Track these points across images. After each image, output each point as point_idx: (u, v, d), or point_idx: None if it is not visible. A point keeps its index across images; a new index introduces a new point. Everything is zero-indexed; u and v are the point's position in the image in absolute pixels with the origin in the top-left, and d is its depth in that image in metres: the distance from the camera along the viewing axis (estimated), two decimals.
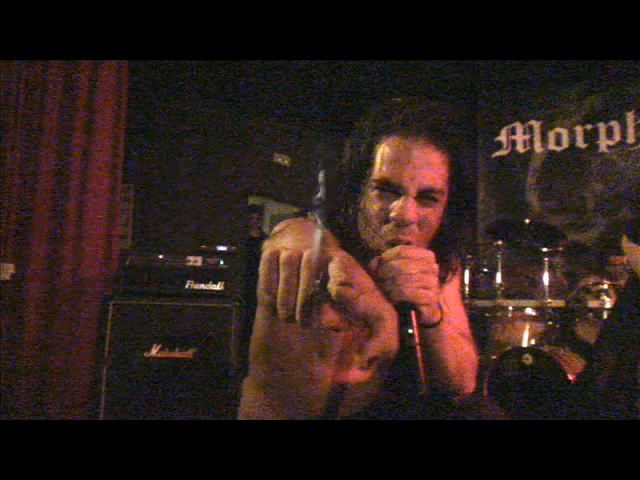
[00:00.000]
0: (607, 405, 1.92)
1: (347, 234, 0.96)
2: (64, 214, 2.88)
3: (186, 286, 2.56)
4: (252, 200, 5.49)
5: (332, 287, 0.56)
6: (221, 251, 2.64)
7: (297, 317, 0.57)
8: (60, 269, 2.84)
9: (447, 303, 0.98)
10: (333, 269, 0.56)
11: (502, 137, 4.60)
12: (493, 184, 4.61)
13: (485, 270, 3.55)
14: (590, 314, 3.12)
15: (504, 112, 4.62)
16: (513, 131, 4.57)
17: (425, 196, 0.90)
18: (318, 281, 0.57)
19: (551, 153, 4.41)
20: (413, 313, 0.79)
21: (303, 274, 0.56)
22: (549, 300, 3.13)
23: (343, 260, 0.57)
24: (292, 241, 0.83)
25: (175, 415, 2.35)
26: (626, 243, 2.09)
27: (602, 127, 4.23)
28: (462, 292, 3.27)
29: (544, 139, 4.44)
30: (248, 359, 1.10)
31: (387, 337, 0.58)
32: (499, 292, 3.27)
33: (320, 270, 0.57)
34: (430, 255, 0.85)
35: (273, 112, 5.29)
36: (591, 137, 4.27)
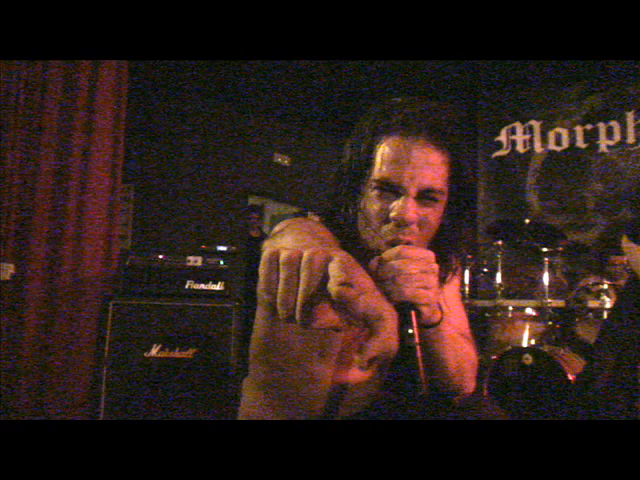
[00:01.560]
0: (607, 405, 1.92)
1: (347, 234, 0.96)
2: (64, 214, 2.88)
3: (186, 286, 2.55)
4: (252, 200, 5.49)
5: (332, 287, 0.56)
6: (221, 251, 2.64)
7: (297, 317, 0.57)
8: (60, 269, 2.84)
9: (447, 303, 0.98)
10: (333, 269, 0.56)
11: (502, 137, 4.60)
12: (493, 184, 4.61)
13: (485, 270, 3.55)
14: (590, 314, 3.12)
15: (504, 112, 4.62)
16: (513, 131, 4.57)
17: (425, 196, 0.90)
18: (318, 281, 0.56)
19: (551, 153, 4.41)
20: (413, 313, 0.79)
21: (303, 274, 0.56)
22: (549, 300, 3.13)
23: (343, 260, 0.57)
24: (292, 241, 0.83)
25: (175, 415, 2.35)
26: (626, 243, 2.09)
27: (602, 127, 4.23)
28: (462, 292, 3.27)
29: (544, 139, 4.45)
30: (248, 359, 1.10)
31: (387, 337, 0.58)
32: (499, 292, 3.27)
33: (320, 270, 0.57)
34: (430, 255, 0.85)
35: (273, 112, 5.29)
36: (591, 137, 4.27)
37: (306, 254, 0.57)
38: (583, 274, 3.52)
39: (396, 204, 0.89)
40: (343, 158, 0.99)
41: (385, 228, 0.91)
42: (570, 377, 2.59)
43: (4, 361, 2.59)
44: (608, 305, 2.99)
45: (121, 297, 2.49)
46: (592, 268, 3.65)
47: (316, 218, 1.04)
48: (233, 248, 2.68)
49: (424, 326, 0.88)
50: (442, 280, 0.98)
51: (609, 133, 4.20)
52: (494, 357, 2.89)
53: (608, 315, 2.81)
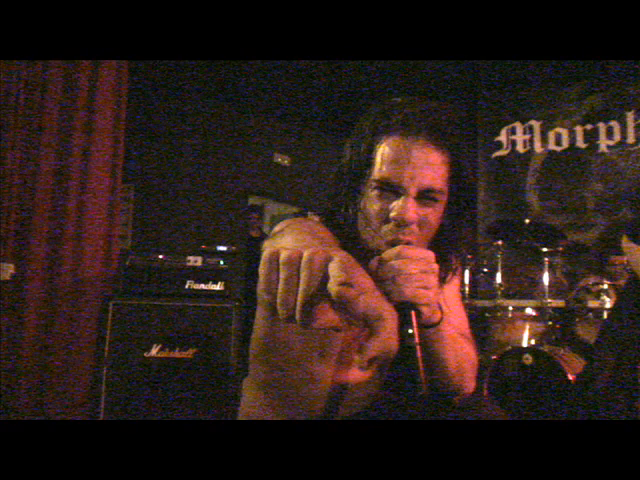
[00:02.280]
0: (607, 405, 1.92)
1: (347, 234, 0.96)
2: (64, 214, 2.88)
3: (186, 286, 2.56)
4: (252, 200, 5.49)
5: (332, 287, 0.56)
6: (221, 251, 2.64)
7: (297, 317, 0.57)
8: (60, 269, 2.84)
9: (447, 303, 0.98)
10: (333, 269, 0.56)
11: (502, 137, 4.60)
12: (493, 184, 4.61)
13: (485, 270, 3.55)
14: (590, 314, 3.12)
15: (504, 112, 4.62)
16: (513, 131, 4.57)
17: (425, 196, 0.90)
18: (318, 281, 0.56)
19: (551, 153, 4.41)
20: (413, 313, 0.79)
21: (303, 274, 0.56)
22: (549, 300, 3.13)
23: (343, 260, 0.57)
24: (292, 241, 0.83)
25: (175, 415, 2.35)
26: (626, 243, 2.09)
27: (602, 127, 4.23)
28: (462, 292, 3.27)
29: (544, 139, 4.45)
30: (248, 359, 1.10)
31: (387, 337, 0.58)
32: (499, 292, 3.27)
33: (320, 270, 0.57)
34: (430, 255, 0.85)
35: (273, 112, 5.29)
36: (591, 137, 4.27)
37: (306, 254, 0.57)
38: (583, 274, 3.52)
39: (396, 204, 0.89)
40: (343, 158, 0.99)
41: (385, 228, 0.91)
42: (570, 377, 2.59)
43: (4, 361, 2.59)
44: (608, 305, 2.99)
45: (121, 297, 2.49)
46: (592, 268, 3.65)
47: (316, 218, 1.04)
48: (233, 248, 2.68)
49: (424, 326, 0.88)
50: (442, 280, 0.98)
51: (609, 133, 4.20)
52: (494, 357, 2.89)
53: (608, 315, 2.81)
